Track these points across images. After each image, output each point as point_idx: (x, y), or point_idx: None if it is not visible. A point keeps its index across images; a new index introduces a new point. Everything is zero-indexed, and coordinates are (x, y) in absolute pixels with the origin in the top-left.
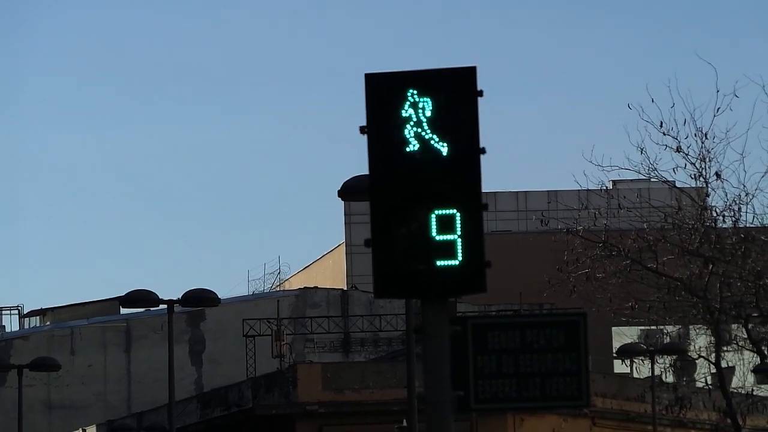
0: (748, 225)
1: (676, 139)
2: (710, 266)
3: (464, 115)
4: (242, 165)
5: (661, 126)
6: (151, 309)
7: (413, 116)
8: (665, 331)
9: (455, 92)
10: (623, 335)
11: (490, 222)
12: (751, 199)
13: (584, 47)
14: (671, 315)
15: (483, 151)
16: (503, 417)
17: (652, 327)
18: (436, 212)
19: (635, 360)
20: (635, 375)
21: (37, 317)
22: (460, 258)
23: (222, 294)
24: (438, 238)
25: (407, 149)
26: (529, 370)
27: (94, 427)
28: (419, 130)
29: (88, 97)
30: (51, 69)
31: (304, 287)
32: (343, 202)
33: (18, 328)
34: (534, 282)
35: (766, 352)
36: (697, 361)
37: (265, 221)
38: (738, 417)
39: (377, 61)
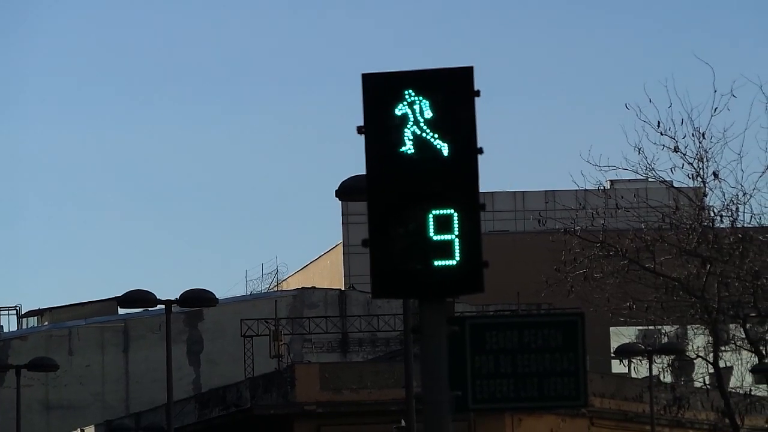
0: (745, 225)
1: (674, 139)
2: (708, 266)
3: (461, 115)
4: (240, 165)
5: (659, 126)
6: (149, 309)
7: (410, 116)
8: (663, 331)
9: (452, 92)
10: (621, 335)
11: (488, 222)
12: (748, 199)
13: (582, 47)
14: (669, 315)
15: (480, 151)
16: (501, 417)
17: (650, 327)
18: (434, 212)
19: (633, 360)
20: (633, 375)
21: (35, 317)
22: (457, 258)
23: (220, 294)
24: (435, 238)
25: (404, 149)
26: (527, 370)
27: (92, 428)
28: (416, 130)
29: (88, 97)
30: (51, 69)
31: (302, 287)
32: (340, 202)
33: (16, 328)
34: (532, 282)
35: (764, 352)
36: (695, 361)
37: (263, 221)
38: (736, 417)
39: (376, 61)
